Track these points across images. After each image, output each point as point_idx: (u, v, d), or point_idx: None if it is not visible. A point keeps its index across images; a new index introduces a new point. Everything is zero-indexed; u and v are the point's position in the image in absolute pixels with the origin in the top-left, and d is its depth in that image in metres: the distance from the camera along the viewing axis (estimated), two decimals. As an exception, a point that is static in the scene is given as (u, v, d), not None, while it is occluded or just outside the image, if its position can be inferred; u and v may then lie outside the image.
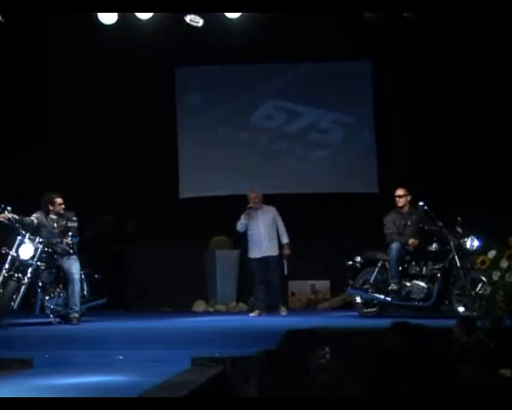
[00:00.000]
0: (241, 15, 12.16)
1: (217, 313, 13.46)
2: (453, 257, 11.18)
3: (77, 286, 11.28)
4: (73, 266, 11.33)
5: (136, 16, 12.13)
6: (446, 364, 4.74)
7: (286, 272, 12.58)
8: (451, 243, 11.20)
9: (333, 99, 14.42)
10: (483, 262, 9.75)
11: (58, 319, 11.28)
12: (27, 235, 11.02)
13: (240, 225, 12.51)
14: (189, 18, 12.36)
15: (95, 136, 13.78)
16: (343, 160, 14.42)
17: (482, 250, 10.82)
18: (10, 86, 13.40)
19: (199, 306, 13.77)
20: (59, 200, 11.47)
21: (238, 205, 13.55)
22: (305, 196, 13.67)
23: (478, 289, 10.84)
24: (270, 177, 14.16)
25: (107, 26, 12.31)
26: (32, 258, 10.95)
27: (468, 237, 11.11)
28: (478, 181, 13.04)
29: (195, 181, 14.54)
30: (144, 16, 12.13)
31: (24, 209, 11.45)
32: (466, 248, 11.11)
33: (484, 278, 10.60)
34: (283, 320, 11.75)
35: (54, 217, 11.44)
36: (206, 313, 13.50)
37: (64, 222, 11.43)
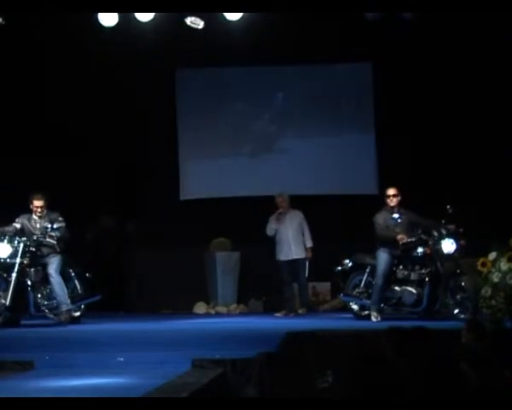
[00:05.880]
0: (241, 17, 12.15)
1: (217, 314, 13.47)
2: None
3: (57, 286, 11.24)
4: (52, 266, 11.30)
5: (136, 18, 12.12)
6: (447, 365, 4.73)
7: (306, 274, 12.88)
8: (432, 248, 11.13)
9: (333, 101, 14.42)
10: (483, 264, 9.72)
11: (54, 316, 11.32)
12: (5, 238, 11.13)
13: (270, 230, 12.84)
14: (189, 20, 12.35)
15: (95, 137, 13.79)
16: (343, 161, 14.41)
17: (462, 253, 10.88)
18: (9, 88, 13.40)
19: (199, 307, 13.77)
20: (36, 202, 11.42)
21: (238, 207, 13.58)
22: (306, 197, 13.66)
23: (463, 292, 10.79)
24: (270, 179, 14.12)
25: (108, 29, 12.31)
26: (14, 256, 11.02)
27: (443, 239, 11.04)
28: (478, 183, 13.04)
29: (196, 183, 14.53)
30: (144, 18, 12.12)
31: (22, 211, 11.49)
32: (444, 253, 11.05)
33: (463, 284, 10.64)
34: (284, 322, 11.76)
35: (36, 218, 11.43)
36: (207, 314, 13.51)
37: (46, 224, 11.37)
